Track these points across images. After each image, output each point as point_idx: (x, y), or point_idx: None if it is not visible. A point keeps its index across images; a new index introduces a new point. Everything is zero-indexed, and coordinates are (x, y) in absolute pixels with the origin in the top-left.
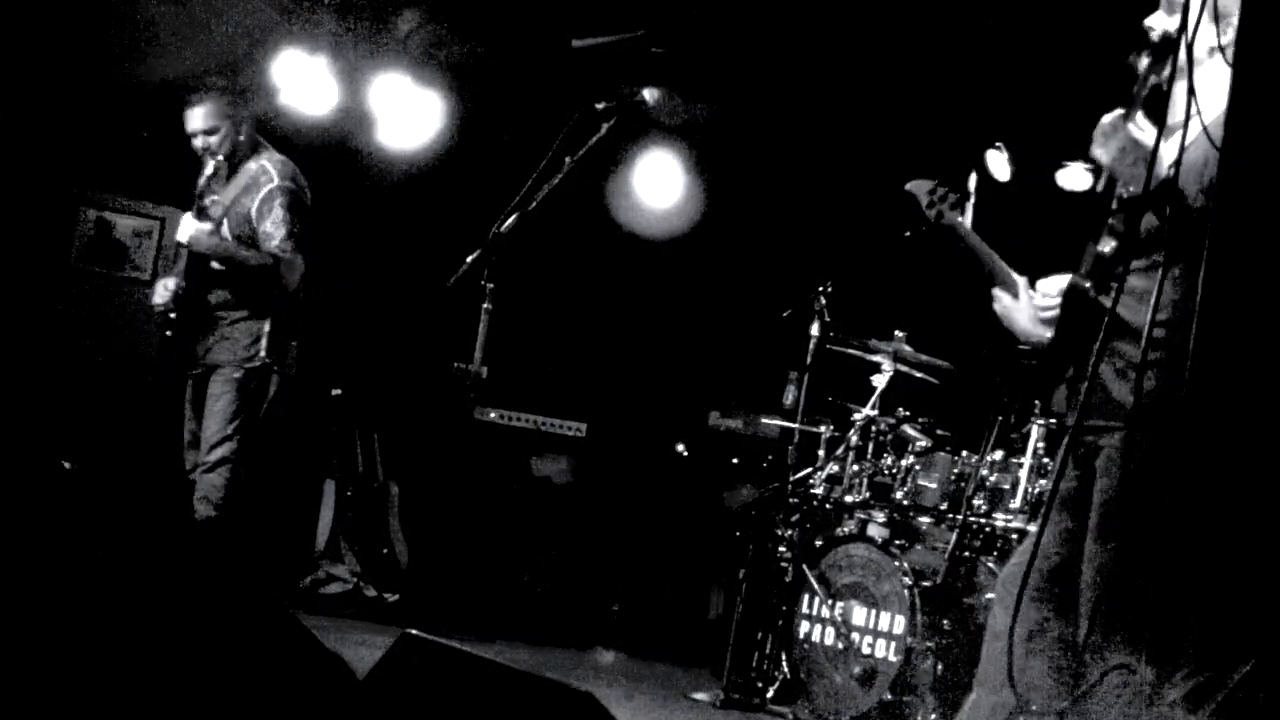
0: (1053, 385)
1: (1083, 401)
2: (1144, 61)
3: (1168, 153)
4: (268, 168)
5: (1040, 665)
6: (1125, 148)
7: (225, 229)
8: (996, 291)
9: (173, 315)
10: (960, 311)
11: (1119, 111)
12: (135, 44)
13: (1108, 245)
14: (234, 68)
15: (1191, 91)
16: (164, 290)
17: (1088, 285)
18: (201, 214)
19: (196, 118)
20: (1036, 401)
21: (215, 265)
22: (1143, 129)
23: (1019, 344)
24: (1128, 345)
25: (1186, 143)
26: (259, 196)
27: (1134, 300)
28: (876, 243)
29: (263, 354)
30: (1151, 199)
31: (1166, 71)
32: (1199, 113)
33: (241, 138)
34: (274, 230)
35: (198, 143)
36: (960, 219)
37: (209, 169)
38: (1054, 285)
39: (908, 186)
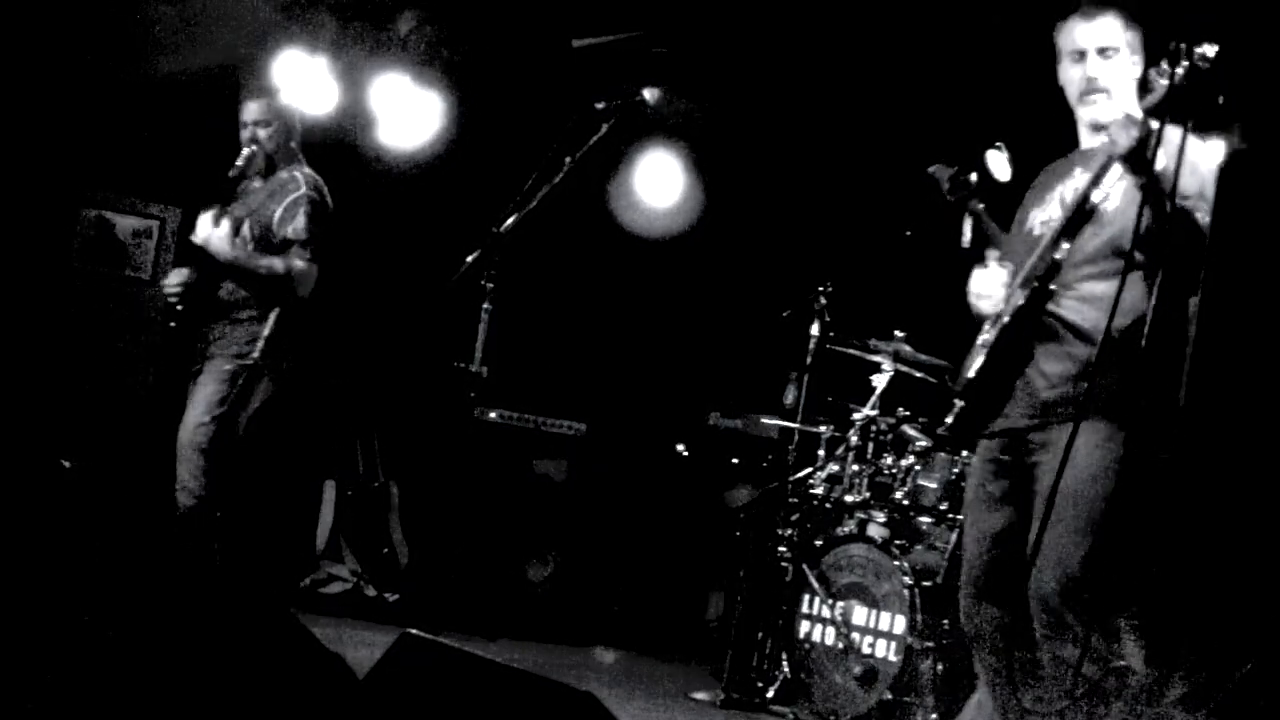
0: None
1: (1011, 406)
2: (1163, 81)
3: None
4: (297, 177)
5: (1039, 666)
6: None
7: (245, 230)
8: (990, 252)
9: (179, 307)
10: (960, 311)
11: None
12: (135, 44)
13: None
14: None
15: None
16: (177, 277)
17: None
18: (224, 214)
19: (256, 109)
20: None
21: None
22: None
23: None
24: (1079, 346)
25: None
26: (284, 203)
27: (1082, 303)
28: (876, 243)
29: (255, 354)
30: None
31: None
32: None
33: (292, 142)
34: (294, 238)
35: (246, 134)
36: (980, 206)
37: (242, 161)
38: (983, 278)
39: (930, 170)
